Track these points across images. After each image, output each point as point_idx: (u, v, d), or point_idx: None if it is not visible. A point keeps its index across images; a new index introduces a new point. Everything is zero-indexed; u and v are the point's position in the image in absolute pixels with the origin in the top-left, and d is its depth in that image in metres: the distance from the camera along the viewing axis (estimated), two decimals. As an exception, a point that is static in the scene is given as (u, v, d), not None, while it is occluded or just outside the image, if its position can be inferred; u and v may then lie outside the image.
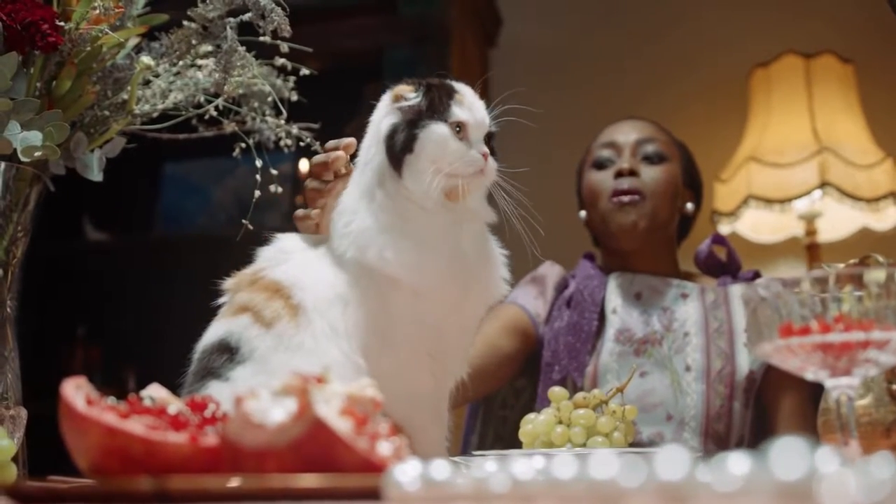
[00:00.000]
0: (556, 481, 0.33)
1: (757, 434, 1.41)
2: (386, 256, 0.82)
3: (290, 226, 2.92)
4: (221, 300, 0.92)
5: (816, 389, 1.40)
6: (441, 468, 0.39)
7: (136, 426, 0.52)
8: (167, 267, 2.97)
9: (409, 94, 0.86)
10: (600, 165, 1.50)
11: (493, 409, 1.58)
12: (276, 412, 0.48)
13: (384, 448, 0.48)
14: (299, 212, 1.03)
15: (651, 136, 1.50)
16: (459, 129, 0.85)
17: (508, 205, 0.86)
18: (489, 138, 0.89)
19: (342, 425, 0.47)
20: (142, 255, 2.95)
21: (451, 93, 0.87)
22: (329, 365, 0.70)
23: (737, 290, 1.43)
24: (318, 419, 0.47)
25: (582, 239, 1.67)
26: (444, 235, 0.84)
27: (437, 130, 0.84)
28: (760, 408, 1.41)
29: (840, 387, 0.62)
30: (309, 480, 0.45)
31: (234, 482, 0.46)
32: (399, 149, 0.83)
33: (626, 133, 1.51)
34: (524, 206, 0.86)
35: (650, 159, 1.47)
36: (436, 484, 0.38)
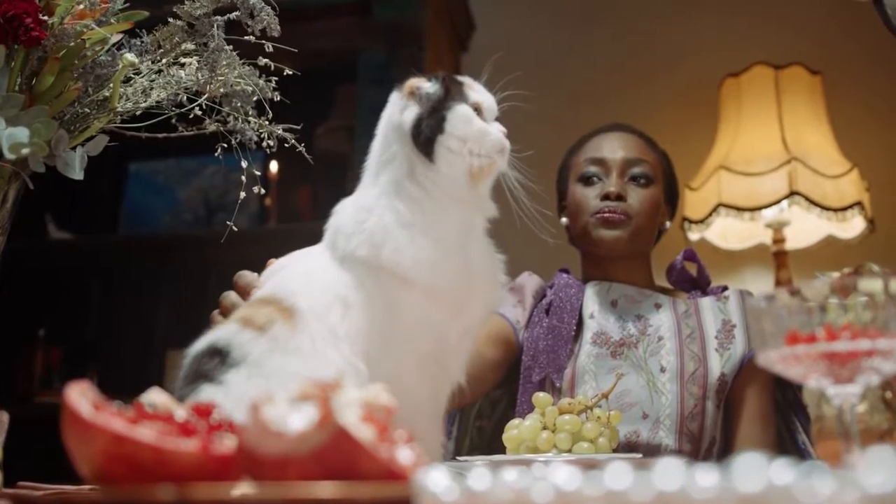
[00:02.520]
0: (611, 492, 0.33)
1: (726, 436, 1.45)
2: (402, 254, 0.82)
3: (257, 228, 2.87)
4: None
5: (778, 396, 1.46)
6: (479, 476, 0.38)
7: (147, 433, 0.50)
8: (131, 267, 2.92)
9: (424, 84, 0.89)
10: (586, 180, 1.52)
11: (469, 418, 1.58)
12: (296, 420, 0.47)
13: (405, 456, 0.48)
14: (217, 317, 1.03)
15: (639, 157, 1.52)
16: (477, 110, 0.89)
17: (516, 191, 0.88)
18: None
19: (365, 433, 0.46)
20: (105, 255, 2.90)
21: (459, 81, 0.92)
22: (343, 370, 0.70)
23: (706, 303, 1.49)
24: (341, 427, 0.46)
25: (559, 245, 1.68)
26: (459, 235, 0.85)
27: (462, 110, 0.88)
28: (726, 410, 1.44)
29: (843, 394, 0.63)
30: (338, 490, 0.44)
31: (262, 491, 0.45)
32: (430, 133, 0.85)
33: (615, 149, 1.52)
34: (531, 193, 0.89)
35: (637, 180, 1.50)
36: (474, 494, 0.37)
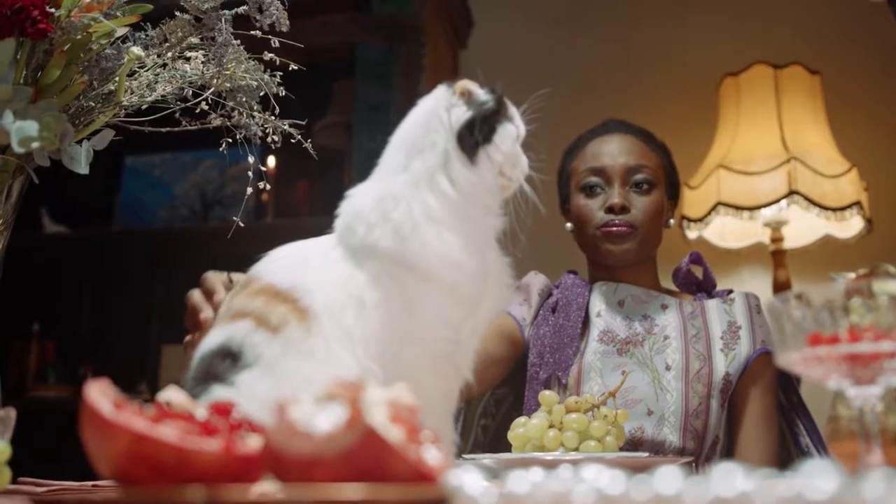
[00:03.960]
0: (660, 497, 0.32)
1: (729, 436, 1.45)
2: (428, 250, 0.80)
3: (254, 223, 2.86)
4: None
5: (782, 398, 1.47)
6: (518, 479, 0.38)
7: (169, 433, 0.50)
8: (126, 261, 2.91)
9: (479, 91, 0.89)
10: (588, 191, 1.51)
11: (474, 417, 1.58)
12: (324, 420, 0.46)
13: (433, 457, 0.47)
14: (189, 338, 1.09)
15: (640, 164, 1.51)
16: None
17: (521, 212, 0.88)
18: None
19: (394, 434, 0.46)
20: (100, 250, 2.88)
21: (506, 103, 0.91)
22: (364, 372, 0.69)
23: (712, 304, 1.49)
24: (371, 428, 0.45)
25: (559, 247, 1.68)
26: (481, 238, 0.85)
27: (511, 129, 0.88)
28: (729, 411, 1.45)
29: (864, 395, 0.63)
30: (367, 492, 0.43)
31: (290, 493, 0.44)
32: (480, 138, 0.85)
33: (615, 156, 1.51)
34: (532, 215, 0.89)
35: (639, 187, 1.49)
36: (513, 497, 0.37)
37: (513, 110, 0.90)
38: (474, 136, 0.85)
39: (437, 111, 0.87)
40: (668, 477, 0.33)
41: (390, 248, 0.81)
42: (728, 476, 0.31)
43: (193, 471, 0.50)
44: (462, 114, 0.86)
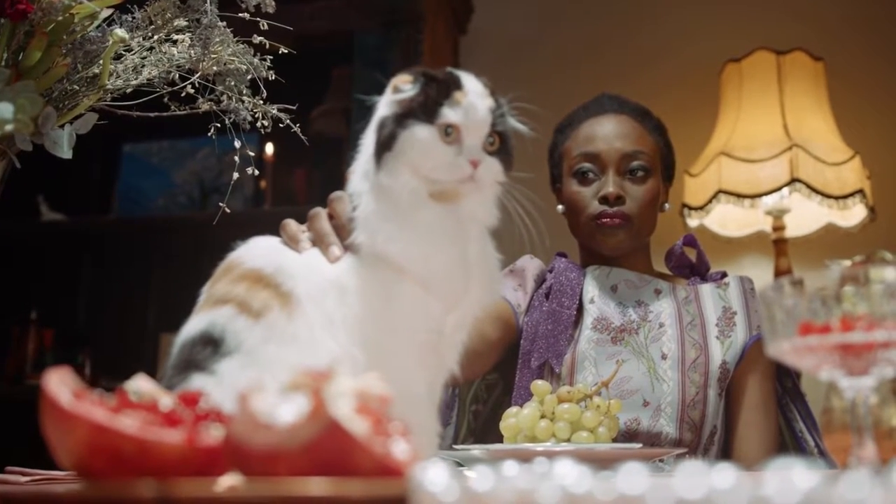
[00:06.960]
0: (624, 497, 0.30)
1: (726, 424, 1.43)
2: (394, 245, 0.78)
3: (252, 210, 2.85)
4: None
5: (777, 384, 1.44)
6: (481, 476, 0.36)
7: (129, 424, 0.48)
8: (125, 249, 2.90)
9: (404, 85, 0.79)
10: (581, 177, 1.48)
11: (465, 403, 1.56)
12: (286, 411, 0.44)
13: (401, 450, 0.45)
14: (296, 234, 0.88)
15: (636, 150, 1.46)
16: (450, 131, 0.78)
17: (515, 209, 0.81)
18: (503, 139, 0.82)
19: (359, 426, 0.44)
20: (99, 237, 2.87)
21: (448, 90, 0.79)
22: (339, 359, 0.67)
23: (706, 289, 1.46)
24: (334, 420, 0.43)
25: (562, 233, 1.65)
26: (446, 231, 0.80)
27: (418, 133, 0.77)
28: (726, 398, 1.43)
29: (856, 387, 0.61)
30: (330, 487, 0.41)
31: (250, 488, 0.42)
32: (380, 144, 0.79)
33: (610, 141, 1.47)
34: (531, 211, 0.81)
35: (635, 174, 1.45)
36: (475, 494, 0.35)
37: (454, 101, 0.78)
38: (379, 140, 0.79)
39: (379, 107, 0.83)
40: (633, 476, 0.30)
41: (364, 241, 0.79)
42: (693, 476, 0.29)
43: (154, 463, 0.48)
44: (381, 111, 0.80)
